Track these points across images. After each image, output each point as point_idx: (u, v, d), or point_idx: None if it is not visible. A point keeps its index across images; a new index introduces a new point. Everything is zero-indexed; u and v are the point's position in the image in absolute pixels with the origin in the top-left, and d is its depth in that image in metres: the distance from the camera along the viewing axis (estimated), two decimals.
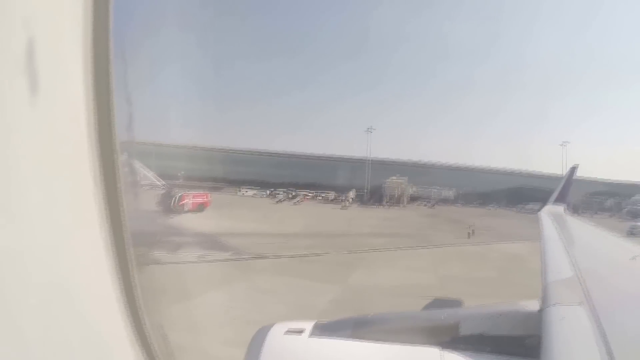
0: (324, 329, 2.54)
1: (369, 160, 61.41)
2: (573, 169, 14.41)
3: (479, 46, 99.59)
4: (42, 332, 1.17)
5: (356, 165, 68.62)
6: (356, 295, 13.00)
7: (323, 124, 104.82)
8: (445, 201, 62.44)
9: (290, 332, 2.51)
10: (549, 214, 9.39)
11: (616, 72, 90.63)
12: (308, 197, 57.49)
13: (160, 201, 29.94)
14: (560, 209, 11.19)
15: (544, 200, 13.30)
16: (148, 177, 30.42)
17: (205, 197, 34.46)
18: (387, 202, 56.40)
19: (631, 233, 35.62)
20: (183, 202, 31.03)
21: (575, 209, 54.83)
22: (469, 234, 29.92)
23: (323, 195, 60.70)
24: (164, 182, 33.46)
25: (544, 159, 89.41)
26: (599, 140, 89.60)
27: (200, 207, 32.60)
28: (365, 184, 61.81)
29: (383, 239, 26.29)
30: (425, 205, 59.99)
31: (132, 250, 1.47)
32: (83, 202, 1.30)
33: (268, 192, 63.04)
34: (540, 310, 2.42)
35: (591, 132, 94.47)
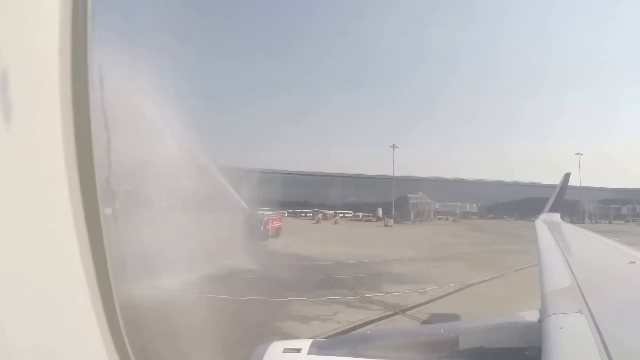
0: (322, 347, 2.51)
1: (393, 177, 60.83)
2: (567, 177, 13.73)
3: (482, 55, 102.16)
4: (23, 335, 1.21)
5: (369, 182, 67.94)
6: None
7: (334, 143, 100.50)
8: (463, 215, 64.01)
9: (287, 350, 2.46)
10: (545, 222, 9.15)
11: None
12: (338, 216, 55.19)
13: (250, 227, 26.08)
14: (556, 216, 10.87)
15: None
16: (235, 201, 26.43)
17: (279, 220, 30.96)
18: (417, 218, 56.14)
19: None
20: (268, 226, 27.36)
21: (591, 217, 59.73)
22: None
23: (349, 214, 58.61)
24: (247, 207, 29.43)
25: (552, 170, 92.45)
26: (607, 148, 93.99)
27: (278, 232, 29.17)
28: (389, 201, 61.01)
29: (508, 255, 25.33)
30: (446, 219, 60.83)
31: (110, 265, 1.41)
32: (60, 216, 1.26)
33: (286, 212, 59.46)
34: (540, 321, 2.36)
35: (599, 141, 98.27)
